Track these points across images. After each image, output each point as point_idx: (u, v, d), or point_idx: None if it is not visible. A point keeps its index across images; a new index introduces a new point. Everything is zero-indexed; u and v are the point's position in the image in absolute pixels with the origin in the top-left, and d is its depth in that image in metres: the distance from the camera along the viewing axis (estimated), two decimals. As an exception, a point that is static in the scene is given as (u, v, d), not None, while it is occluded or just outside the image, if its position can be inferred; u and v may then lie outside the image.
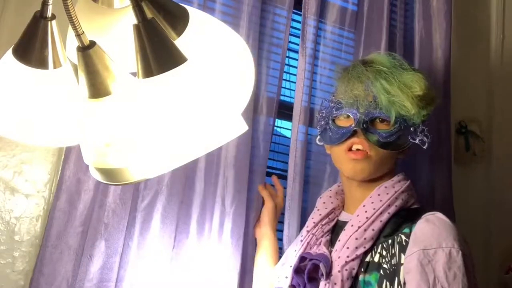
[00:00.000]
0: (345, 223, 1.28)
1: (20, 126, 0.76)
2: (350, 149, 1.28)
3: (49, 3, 0.71)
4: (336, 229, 1.32)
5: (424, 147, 1.31)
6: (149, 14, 0.68)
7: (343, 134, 1.28)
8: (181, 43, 0.73)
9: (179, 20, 0.75)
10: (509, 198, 1.97)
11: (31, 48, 0.72)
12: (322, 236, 1.29)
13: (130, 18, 0.72)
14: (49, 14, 0.71)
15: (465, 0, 2.07)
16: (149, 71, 0.65)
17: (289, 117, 1.66)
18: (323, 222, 1.32)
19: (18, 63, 0.73)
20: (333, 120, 1.32)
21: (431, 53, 1.84)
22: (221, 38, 0.76)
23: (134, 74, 0.69)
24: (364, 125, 1.26)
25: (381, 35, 1.73)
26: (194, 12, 0.77)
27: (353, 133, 1.27)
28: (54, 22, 0.72)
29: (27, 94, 0.74)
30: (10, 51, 0.74)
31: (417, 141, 1.31)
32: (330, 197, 1.39)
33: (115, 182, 0.72)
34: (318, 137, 1.39)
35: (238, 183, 1.51)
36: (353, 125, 1.27)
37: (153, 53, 0.65)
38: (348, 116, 1.29)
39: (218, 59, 0.72)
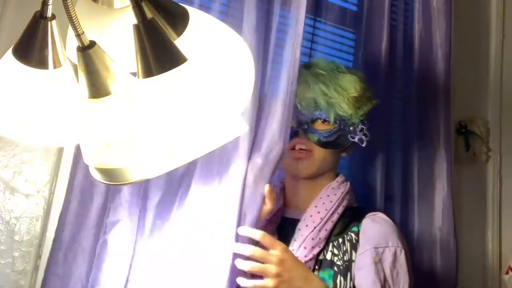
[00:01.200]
0: (292, 220, 1.34)
1: (20, 126, 0.76)
2: (293, 149, 1.34)
3: (49, 3, 0.71)
4: (285, 225, 1.35)
5: (363, 145, 1.37)
6: (149, 14, 0.68)
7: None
8: (181, 43, 0.72)
9: (179, 20, 0.75)
10: (509, 198, 1.97)
11: (31, 48, 0.72)
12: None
13: (130, 18, 0.72)
14: (49, 14, 0.71)
15: (465, 0, 2.07)
16: (149, 71, 0.65)
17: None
18: (274, 219, 1.36)
19: (18, 63, 0.73)
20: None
21: (431, 53, 1.84)
22: (221, 38, 0.76)
23: (134, 74, 0.69)
24: (306, 126, 1.34)
25: (381, 36, 1.73)
26: (194, 12, 0.77)
27: (296, 134, 1.35)
28: (54, 22, 0.72)
29: (27, 94, 0.74)
30: (10, 51, 0.74)
31: (356, 140, 1.36)
32: (278, 193, 1.41)
33: (115, 182, 0.72)
34: None
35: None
36: (295, 126, 1.34)
37: (153, 53, 0.65)
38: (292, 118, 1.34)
39: (218, 59, 0.72)
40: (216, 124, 0.69)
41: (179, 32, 0.74)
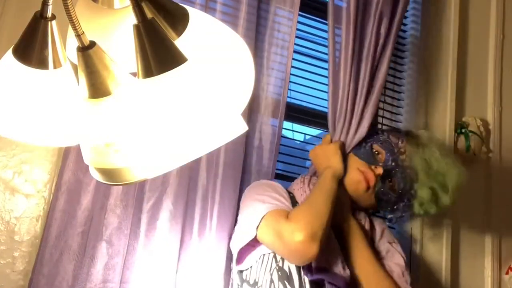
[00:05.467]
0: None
1: (20, 126, 0.76)
2: (362, 171, 1.45)
3: (49, 3, 0.71)
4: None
5: (390, 223, 1.56)
6: (149, 14, 0.68)
7: (370, 158, 1.47)
8: (181, 43, 0.72)
9: (179, 20, 0.75)
10: (509, 198, 1.97)
11: (31, 48, 0.72)
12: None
13: (130, 18, 0.72)
14: (49, 14, 0.71)
15: (466, 0, 2.07)
16: (149, 71, 0.65)
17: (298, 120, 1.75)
18: None
19: (18, 63, 0.73)
20: (371, 145, 1.51)
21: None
22: (221, 38, 0.76)
23: (134, 74, 0.69)
24: (386, 174, 1.45)
25: (371, 34, 1.73)
26: (194, 12, 0.77)
27: (376, 167, 1.45)
28: (54, 22, 0.72)
29: (27, 94, 0.74)
30: (10, 51, 0.74)
31: (387, 216, 1.54)
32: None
33: (115, 182, 0.72)
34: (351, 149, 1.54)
35: (234, 184, 1.52)
36: (381, 164, 1.46)
37: (153, 53, 0.65)
38: (381, 155, 1.48)
39: (218, 59, 0.72)
40: (216, 124, 0.69)
41: (179, 32, 0.74)
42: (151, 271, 1.38)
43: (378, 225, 1.50)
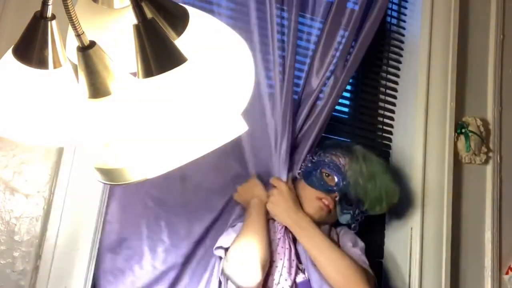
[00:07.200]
0: None
1: (20, 126, 0.76)
2: (320, 198, 1.56)
3: (49, 3, 0.71)
4: None
5: (351, 228, 1.62)
6: (149, 14, 0.68)
7: (325, 187, 1.56)
8: (181, 43, 0.73)
9: (179, 20, 0.75)
10: (509, 198, 1.97)
11: (31, 48, 0.72)
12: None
13: (130, 18, 0.72)
14: (49, 14, 0.71)
15: (466, 0, 2.07)
16: (149, 71, 0.65)
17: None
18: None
19: (18, 63, 0.73)
20: (321, 170, 1.58)
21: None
22: (221, 38, 0.76)
23: (134, 74, 0.69)
24: (340, 197, 1.57)
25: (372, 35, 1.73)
26: (194, 12, 0.77)
27: (331, 192, 1.56)
28: (54, 22, 0.72)
29: (27, 94, 0.74)
30: (10, 51, 0.74)
31: (351, 224, 1.61)
32: None
33: (115, 182, 0.72)
34: (300, 172, 1.63)
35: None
36: (336, 188, 1.56)
37: (153, 53, 0.65)
38: (331, 177, 1.57)
39: (218, 59, 0.72)
40: (216, 124, 0.69)
41: (179, 32, 0.74)
42: (166, 271, 1.40)
43: (344, 234, 1.63)
